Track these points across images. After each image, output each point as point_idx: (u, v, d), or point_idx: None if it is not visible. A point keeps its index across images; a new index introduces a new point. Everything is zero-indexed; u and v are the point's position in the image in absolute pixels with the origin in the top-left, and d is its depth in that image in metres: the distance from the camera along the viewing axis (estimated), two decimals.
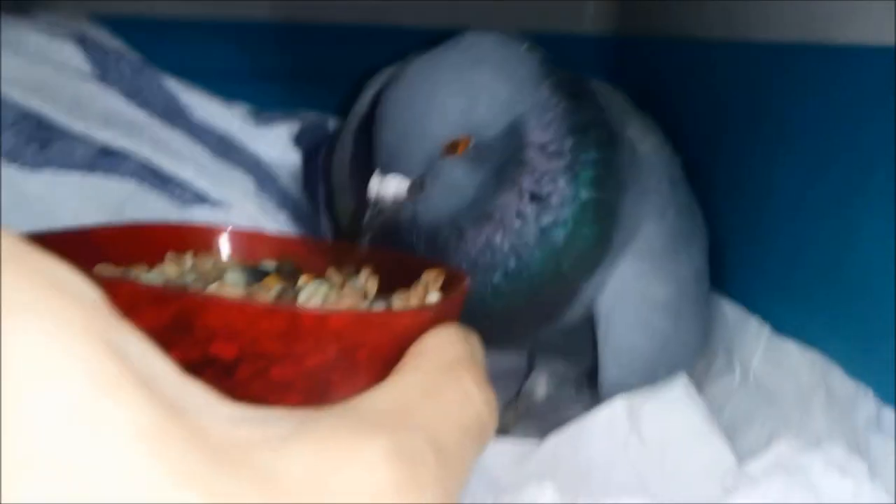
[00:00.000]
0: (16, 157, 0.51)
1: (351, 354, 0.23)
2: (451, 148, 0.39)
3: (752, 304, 0.51)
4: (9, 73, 0.52)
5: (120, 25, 0.66)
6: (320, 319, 0.23)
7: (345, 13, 0.76)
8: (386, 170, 0.39)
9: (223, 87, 0.65)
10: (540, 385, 0.56)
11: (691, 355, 0.51)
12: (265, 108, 0.66)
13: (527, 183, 0.42)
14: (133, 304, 0.17)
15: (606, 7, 0.78)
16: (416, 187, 0.39)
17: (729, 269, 0.54)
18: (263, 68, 0.74)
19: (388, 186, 0.38)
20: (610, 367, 0.48)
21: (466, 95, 0.39)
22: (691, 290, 0.50)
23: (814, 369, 0.44)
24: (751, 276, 0.53)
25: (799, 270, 0.48)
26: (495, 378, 0.23)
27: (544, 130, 0.42)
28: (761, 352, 0.48)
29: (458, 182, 0.40)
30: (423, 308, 0.28)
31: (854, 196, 0.44)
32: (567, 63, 0.50)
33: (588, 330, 0.49)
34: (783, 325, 0.48)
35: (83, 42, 0.59)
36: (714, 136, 0.58)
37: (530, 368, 0.58)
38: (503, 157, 0.41)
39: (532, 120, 0.42)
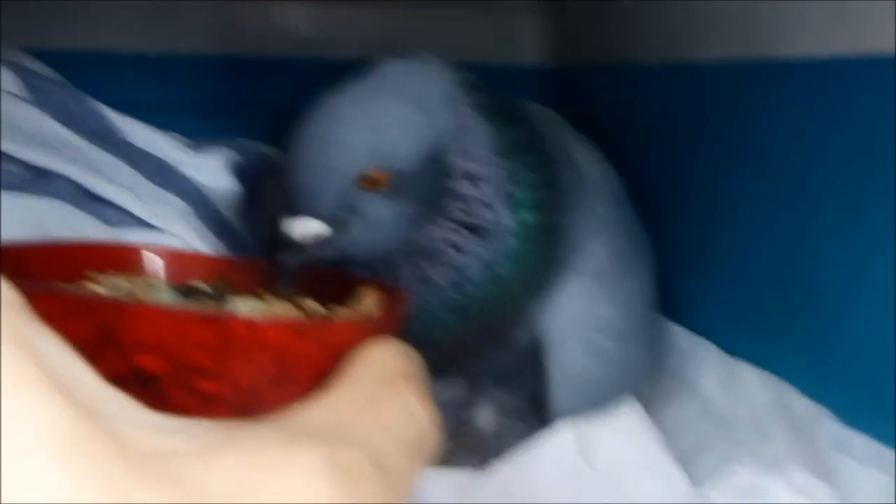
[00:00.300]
0: None
1: (285, 368, 0.21)
2: (368, 183, 0.36)
3: (702, 328, 0.48)
4: None
5: (55, 58, 0.63)
6: (252, 328, 0.21)
7: (282, 45, 0.74)
8: (297, 211, 0.35)
9: (158, 120, 0.61)
10: (482, 415, 0.52)
11: (640, 379, 0.47)
12: (201, 139, 0.63)
13: (459, 214, 0.39)
14: (55, 314, 0.16)
15: (544, 38, 0.76)
16: (337, 227, 0.35)
17: (677, 295, 0.51)
18: (198, 101, 0.72)
19: (299, 229, 0.35)
20: (557, 390, 0.44)
21: (372, 126, 0.36)
22: (639, 312, 0.47)
23: (770, 392, 0.41)
24: (699, 300, 0.49)
25: (749, 292, 0.45)
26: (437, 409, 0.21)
27: (470, 157, 0.38)
28: (713, 376, 0.45)
29: (381, 219, 0.36)
30: (361, 320, 0.26)
31: (803, 213, 0.41)
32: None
33: (533, 354, 0.45)
34: (735, 348, 0.45)
35: (17, 69, 0.57)
36: (657, 160, 0.55)
37: (472, 398, 0.54)
38: (428, 189, 0.38)
39: (454, 146, 0.38)
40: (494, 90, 0.42)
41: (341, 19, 0.76)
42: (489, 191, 0.39)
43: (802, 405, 0.39)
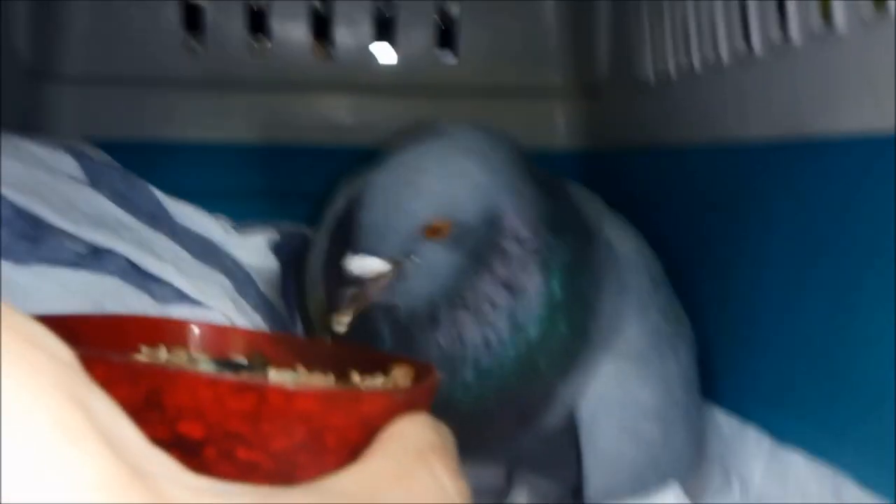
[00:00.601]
0: (8, 254, 0.50)
1: (319, 437, 0.21)
2: (431, 231, 0.37)
3: (748, 414, 0.44)
4: (7, 176, 0.53)
5: (111, 148, 0.64)
6: (288, 397, 0.21)
7: (322, 134, 0.75)
8: (364, 250, 0.36)
9: (204, 205, 0.61)
10: (518, 500, 0.48)
11: (683, 467, 0.43)
12: (244, 221, 0.63)
13: (501, 270, 0.39)
14: (104, 379, 0.16)
15: (577, 123, 0.76)
16: (397, 269, 0.36)
17: (720, 378, 0.47)
18: (242, 187, 0.72)
19: (365, 266, 0.36)
20: (595, 477, 0.40)
21: (448, 180, 0.38)
22: (680, 396, 0.44)
23: (824, 483, 0.36)
24: (744, 383, 0.45)
25: (798, 375, 0.41)
26: (473, 494, 0.20)
27: (521, 222, 0.39)
28: (762, 465, 0.40)
29: (437, 267, 0.38)
30: (393, 392, 0.26)
31: (851, 292, 0.38)
32: None
33: (571, 439, 0.42)
34: (784, 435, 0.40)
35: (78, 154, 0.59)
36: (695, 240, 0.52)
37: (510, 485, 0.50)
38: (481, 243, 0.38)
39: (510, 209, 0.39)
40: (540, 168, 0.42)
41: (380, 109, 0.76)
42: (532, 257, 0.39)
43: (861, 497, 0.35)
